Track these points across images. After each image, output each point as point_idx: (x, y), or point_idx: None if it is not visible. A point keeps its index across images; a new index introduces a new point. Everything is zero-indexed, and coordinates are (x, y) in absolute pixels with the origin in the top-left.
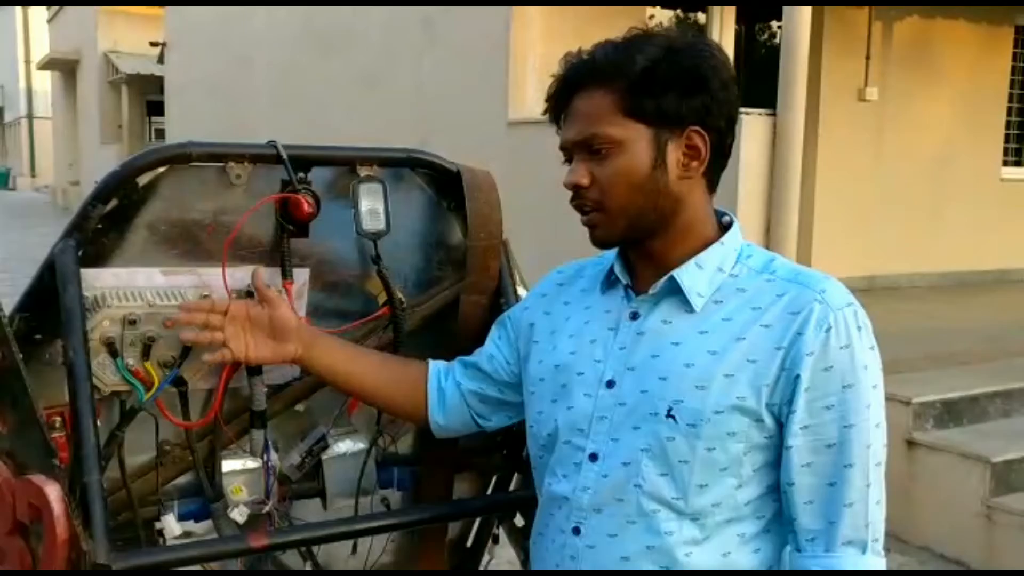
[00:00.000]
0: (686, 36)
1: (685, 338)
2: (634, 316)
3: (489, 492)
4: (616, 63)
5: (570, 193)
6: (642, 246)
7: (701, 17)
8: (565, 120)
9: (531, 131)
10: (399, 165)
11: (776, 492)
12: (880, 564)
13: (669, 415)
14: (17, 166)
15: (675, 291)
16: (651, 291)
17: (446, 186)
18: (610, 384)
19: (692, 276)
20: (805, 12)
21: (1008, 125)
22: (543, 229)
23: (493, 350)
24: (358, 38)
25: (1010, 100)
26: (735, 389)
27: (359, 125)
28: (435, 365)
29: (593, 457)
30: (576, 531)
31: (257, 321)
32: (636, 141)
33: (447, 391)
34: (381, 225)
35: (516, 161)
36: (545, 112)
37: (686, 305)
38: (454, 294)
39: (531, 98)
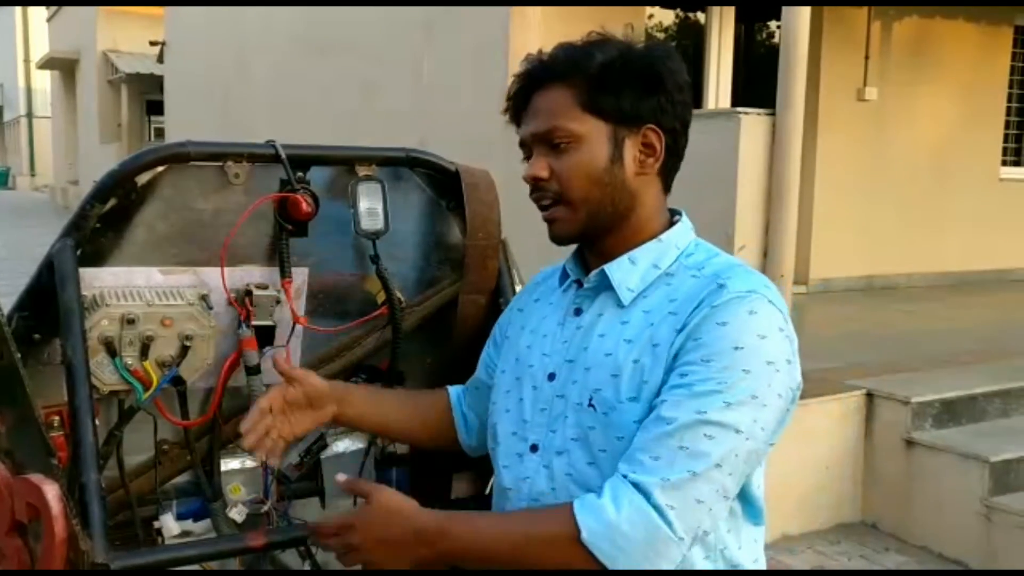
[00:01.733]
0: (643, 40)
1: (609, 330)
2: (577, 311)
3: (487, 491)
4: (575, 60)
5: None
6: (598, 242)
7: (701, 17)
8: (524, 117)
9: None
10: (398, 165)
11: None
12: (640, 504)
13: (590, 404)
14: (16, 165)
15: (608, 286)
16: (586, 285)
17: (445, 186)
18: (551, 377)
19: (624, 271)
20: (804, 12)
21: (1007, 125)
22: (542, 229)
23: (486, 359)
24: (357, 38)
25: (1009, 100)
26: (639, 375)
27: (358, 125)
28: (454, 391)
29: (534, 448)
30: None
31: (294, 401)
32: (594, 136)
33: (468, 413)
34: (380, 225)
35: (515, 161)
36: (505, 111)
37: (617, 299)
38: (453, 293)
39: None
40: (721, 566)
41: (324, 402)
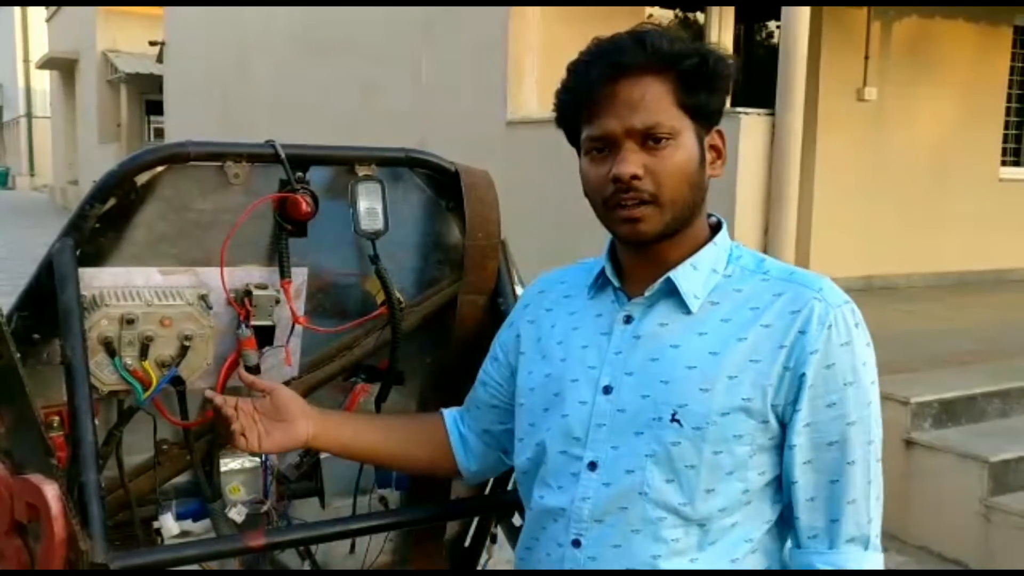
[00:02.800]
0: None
1: (684, 340)
2: (628, 320)
3: (487, 492)
4: (671, 53)
5: (565, 191)
6: (659, 246)
7: (700, 17)
8: (604, 107)
9: (530, 131)
10: (397, 165)
11: (779, 494)
12: (879, 561)
13: (674, 419)
14: (16, 165)
15: (670, 293)
16: (647, 293)
17: (444, 186)
18: (607, 390)
19: (688, 277)
20: (804, 12)
21: (1007, 125)
22: (542, 229)
23: (485, 377)
24: (357, 38)
25: (1009, 100)
26: (740, 390)
27: (358, 125)
28: (450, 414)
29: (592, 466)
30: (576, 543)
31: (264, 410)
32: (688, 135)
33: (468, 437)
34: (379, 225)
35: (514, 161)
36: (566, 94)
37: (682, 307)
38: (452, 293)
39: (529, 98)
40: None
41: (295, 419)
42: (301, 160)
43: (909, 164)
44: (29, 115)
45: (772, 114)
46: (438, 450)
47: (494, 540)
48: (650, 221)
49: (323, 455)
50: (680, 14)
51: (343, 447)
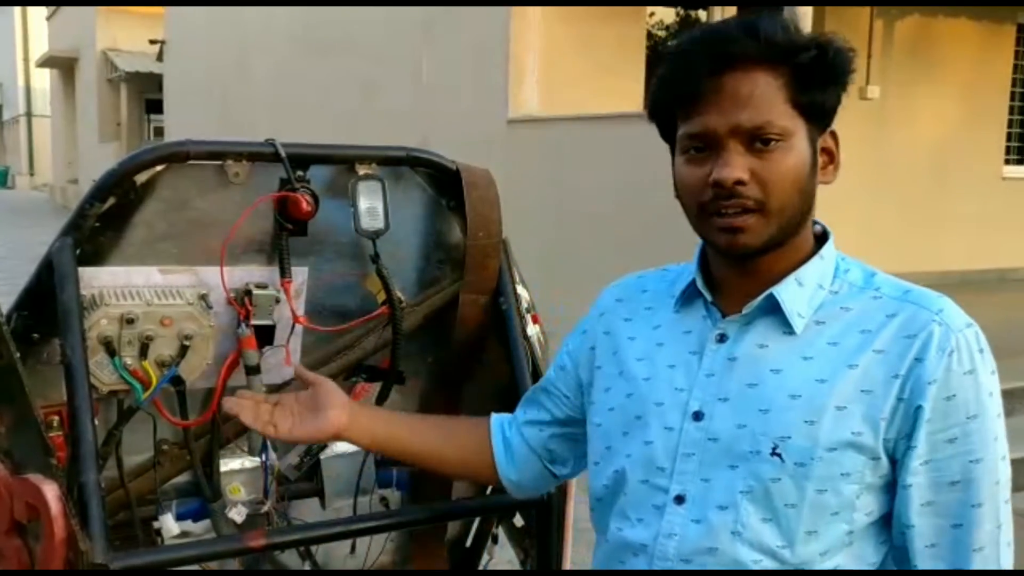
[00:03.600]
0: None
1: (787, 365)
2: (721, 338)
3: (488, 492)
4: (787, 44)
5: (566, 190)
6: (760, 258)
7: (702, 15)
8: (707, 101)
9: (530, 130)
10: (398, 164)
11: (884, 537)
12: None
13: (774, 453)
14: (16, 164)
15: (771, 311)
16: (744, 310)
17: (445, 185)
18: (697, 416)
19: (792, 294)
20: (806, 11)
21: (1010, 124)
22: (543, 228)
23: (548, 386)
24: (357, 38)
25: (1012, 99)
26: (849, 423)
27: (358, 124)
28: (498, 417)
29: (679, 499)
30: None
31: (304, 404)
32: (799, 137)
33: (513, 441)
34: (380, 224)
35: (515, 160)
36: (663, 86)
37: (784, 326)
38: (453, 293)
39: (530, 97)
40: None
41: (329, 407)
42: (301, 159)
43: (912, 163)
44: (29, 114)
45: None
46: (476, 454)
47: (495, 541)
48: (753, 232)
49: (323, 455)
50: (681, 12)
51: (373, 440)
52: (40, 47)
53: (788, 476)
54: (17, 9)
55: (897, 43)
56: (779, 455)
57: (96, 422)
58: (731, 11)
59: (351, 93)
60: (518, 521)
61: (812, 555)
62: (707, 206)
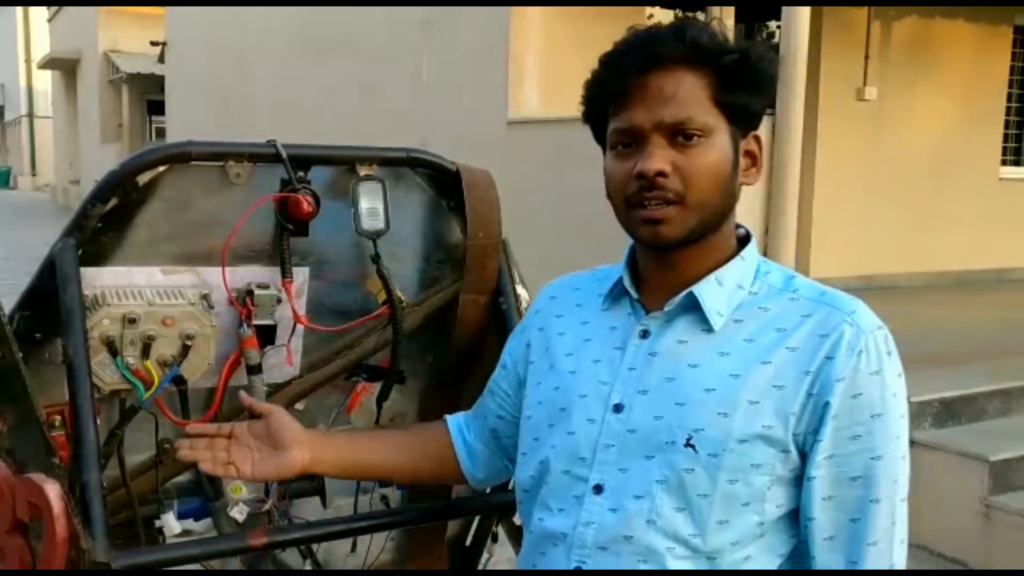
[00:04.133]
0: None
1: (704, 360)
2: (644, 334)
3: (488, 491)
4: (711, 47)
5: (566, 191)
6: (681, 254)
7: (700, 17)
8: (635, 98)
9: (530, 131)
10: (399, 164)
11: (795, 531)
12: None
13: (688, 444)
14: (18, 165)
15: (692, 308)
16: (666, 307)
17: (445, 185)
18: (618, 408)
19: (712, 292)
20: (804, 12)
21: (1007, 124)
22: (542, 228)
23: (493, 386)
24: (357, 38)
25: (1009, 99)
26: (761, 417)
27: (358, 125)
28: (454, 421)
29: (598, 489)
30: (578, 571)
31: (258, 435)
32: (721, 135)
33: (472, 443)
34: (380, 224)
35: (515, 161)
36: (597, 85)
37: (704, 324)
38: (453, 293)
39: (530, 98)
40: None
41: (290, 444)
42: (302, 160)
43: (909, 163)
44: (31, 115)
45: (772, 114)
46: (442, 461)
47: (495, 539)
48: (674, 223)
49: None
50: (680, 14)
51: (343, 470)
52: (42, 48)
53: (701, 467)
54: (19, 10)
55: (895, 44)
56: (693, 446)
57: (98, 421)
58: (729, 12)
59: (351, 93)
60: (517, 520)
61: (723, 544)
62: (631, 198)
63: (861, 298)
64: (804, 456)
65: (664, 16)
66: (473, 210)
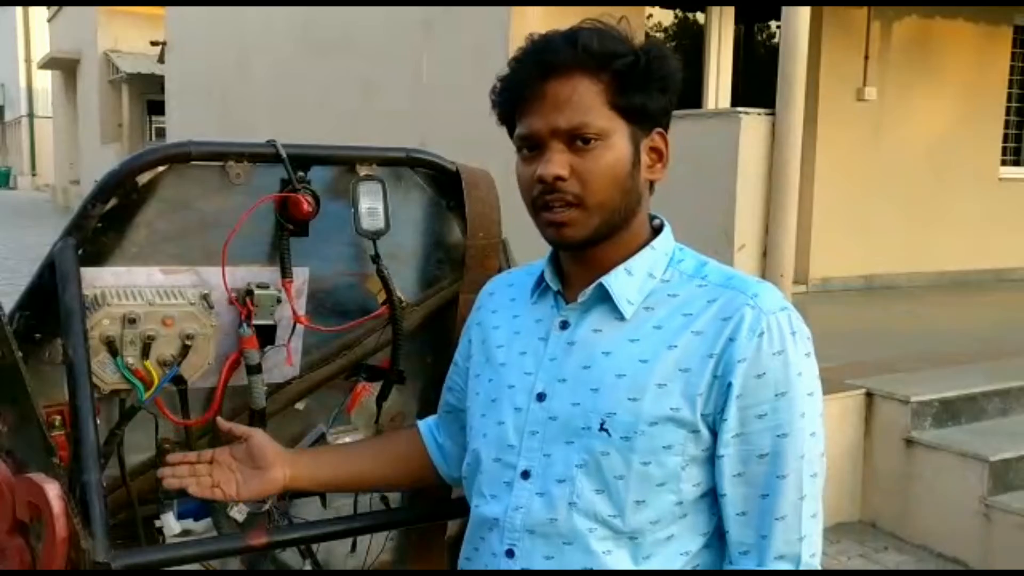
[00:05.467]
0: (639, 35)
1: (616, 347)
2: (564, 325)
3: None
4: (605, 52)
5: None
6: (592, 250)
7: (700, 17)
8: (534, 107)
9: None
10: (398, 164)
11: (717, 508)
12: None
13: (602, 428)
14: (18, 165)
15: (605, 298)
16: (580, 299)
17: (445, 185)
18: (540, 397)
19: (621, 282)
20: (804, 12)
21: (1007, 124)
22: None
23: (450, 383)
24: (357, 38)
25: (1009, 100)
26: (668, 399)
27: (358, 124)
28: (425, 425)
29: (525, 475)
30: (510, 554)
31: (239, 457)
32: (619, 136)
33: (443, 443)
34: (380, 224)
35: (515, 161)
36: (498, 98)
37: (616, 313)
38: (453, 293)
39: None
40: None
41: (271, 464)
42: (302, 160)
43: (909, 164)
44: (31, 115)
45: (772, 114)
46: (420, 465)
47: None
48: (576, 225)
49: None
50: (680, 14)
51: (322, 485)
52: (42, 48)
53: (615, 449)
54: (19, 10)
55: (894, 44)
56: (606, 430)
57: (98, 421)
58: (729, 12)
59: (351, 93)
60: None
61: (642, 524)
62: (536, 201)
63: (861, 298)
64: (716, 436)
65: (664, 16)
66: (473, 210)
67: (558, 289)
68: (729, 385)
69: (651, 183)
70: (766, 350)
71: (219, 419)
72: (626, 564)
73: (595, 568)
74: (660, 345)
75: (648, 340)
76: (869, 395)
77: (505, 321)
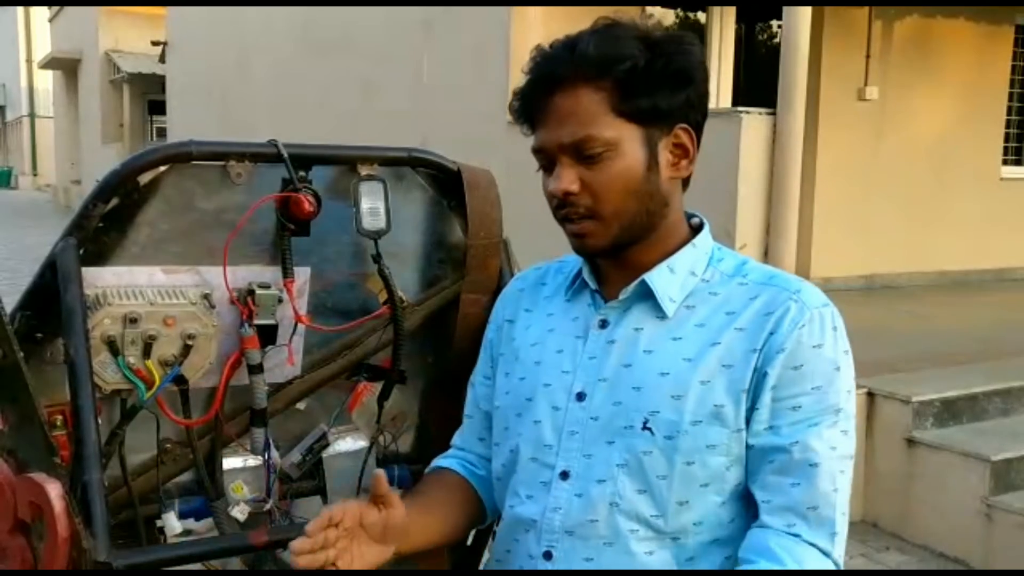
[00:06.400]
0: (661, 28)
1: (658, 345)
2: (603, 324)
3: None
4: (604, 59)
5: None
6: (625, 253)
7: (701, 17)
8: (543, 121)
9: None
10: (400, 164)
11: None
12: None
13: (645, 427)
14: (19, 165)
15: (646, 296)
16: (621, 296)
17: (446, 185)
18: (580, 396)
19: (664, 280)
20: (805, 12)
21: (1008, 124)
22: (543, 228)
23: (480, 379)
24: (357, 38)
25: (1010, 99)
26: (712, 397)
27: (358, 124)
28: (457, 463)
29: (564, 475)
30: (548, 556)
31: (370, 527)
32: (629, 142)
33: (485, 476)
34: (382, 224)
35: (516, 160)
36: (513, 112)
37: (657, 311)
38: (454, 292)
39: None
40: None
41: (395, 539)
42: (304, 159)
43: (910, 163)
44: (32, 115)
45: (773, 114)
46: (475, 506)
47: (496, 539)
48: (595, 236)
49: (325, 453)
50: (681, 14)
51: (417, 547)
52: (43, 48)
53: (658, 449)
54: (20, 10)
55: (896, 44)
56: (649, 429)
57: (99, 421)
58: (730, 12)
59: (351, 93)
60: None
61: (685, 525)
62: (556, 214)
63: (861, 298)
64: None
65: (665, 16)
66: (474, 210)
67: (595, 288)
68: (765, 375)
69: (684, 180)
70: (806, 342)
71: (377, 477)
72: (669, 565)
73: (636, 568)
74: (703, 343)
75: (691, 338)
76: (870, 395)
77: (539, 319)
